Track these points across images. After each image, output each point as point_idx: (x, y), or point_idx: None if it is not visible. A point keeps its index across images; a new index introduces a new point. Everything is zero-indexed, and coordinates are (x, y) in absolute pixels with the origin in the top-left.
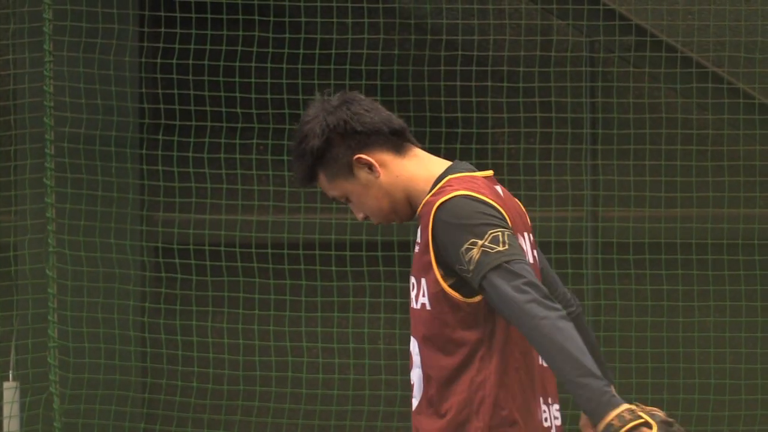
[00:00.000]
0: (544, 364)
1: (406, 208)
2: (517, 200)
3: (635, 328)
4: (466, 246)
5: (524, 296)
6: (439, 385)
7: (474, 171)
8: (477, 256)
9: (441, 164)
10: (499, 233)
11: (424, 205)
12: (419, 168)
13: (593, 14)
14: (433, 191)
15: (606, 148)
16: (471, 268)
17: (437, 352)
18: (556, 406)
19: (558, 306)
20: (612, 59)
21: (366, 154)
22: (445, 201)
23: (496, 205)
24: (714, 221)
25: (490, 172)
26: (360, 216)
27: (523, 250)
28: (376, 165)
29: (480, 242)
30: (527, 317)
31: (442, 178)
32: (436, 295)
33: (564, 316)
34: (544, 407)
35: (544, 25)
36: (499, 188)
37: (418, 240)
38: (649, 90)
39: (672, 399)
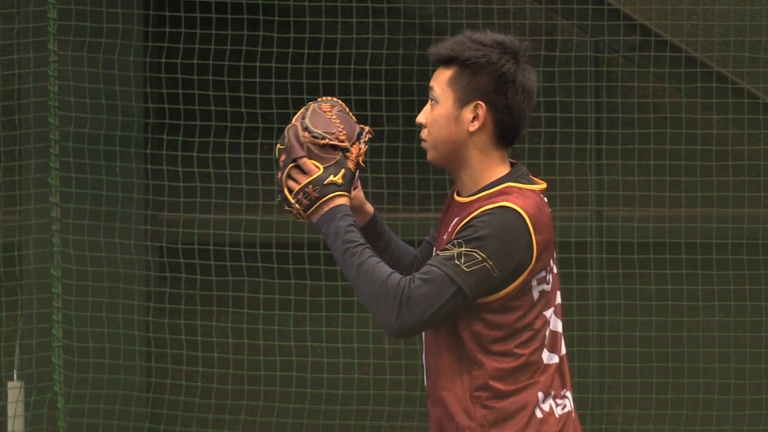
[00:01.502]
0: (555, 361)
1: (448, 161)
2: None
3: (640, 327)
4: (458, 239)
5: (402, 288)
6: (434, 378)
7: (529, 183)
8: (448, 252)
9: (504, 171)
10: (479, 258)
11: (476, 203)
12: (490, 165)
13: (597, 14)
14: (487, 192)
15: (610, 147)
16: (439, 252)
17: (438, 343)
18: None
19: (397, 309)
20: (616, 59)
21: (487, 111)
22: (500, 207)
23: (532, 235)
24: (718, 221)
25: (543, 185)
26: (422, 120)
27: (481, 290)
28: (480, 123)
29: (462, 249)
30: (375, 279)
31: (501, 183)
32: None
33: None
34: (556, 401)
35: (548, 25)
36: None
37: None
38: (654, 90)
39: (676, 398)
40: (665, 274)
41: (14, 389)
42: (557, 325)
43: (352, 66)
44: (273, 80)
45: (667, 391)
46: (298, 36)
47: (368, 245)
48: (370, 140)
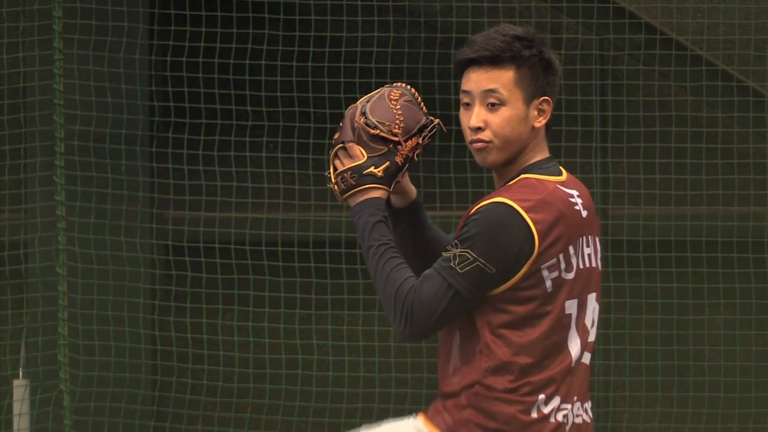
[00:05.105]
0: (574, 360)
1: (508, 160)
2: (588, 201)
3: (645, 325)
4: (456, 239)
5: (409, 296)
6: (440, 371)
7: (552, 175)
8: (446, 254)
9: (539, 156)
10: (470, 259)
11: (482, 199)
12: (535, 156)
13: (603, 12)
14: (507, 185)
15: (616, 146)
16: (442, 254)
17: (452, 334)
18: (579, 405)
19: (410, 324)
20: (622, 57)
21: (550, 105)
22: (492, 203)
23: (529, 222)
24: (724, 219)
25: (563, 177)
26: (480, 124)
27: (480, 288)
28: (546, 118)
29: (457, 250)
30: (388, 284)
31: (522, 173)
32: None
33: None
34: (557, 404)
35: (553, 23)
36: (573, 192)
37: None
38: (659, 88)
39: (682, 396)
40: (671, 272)
41: (20, 387)
42: (586, 320)
43: (358, 64)
44: (278, 78)
45: (673, 389)
46: (304, 34)
47: (392, 244)
48: (439, 133)
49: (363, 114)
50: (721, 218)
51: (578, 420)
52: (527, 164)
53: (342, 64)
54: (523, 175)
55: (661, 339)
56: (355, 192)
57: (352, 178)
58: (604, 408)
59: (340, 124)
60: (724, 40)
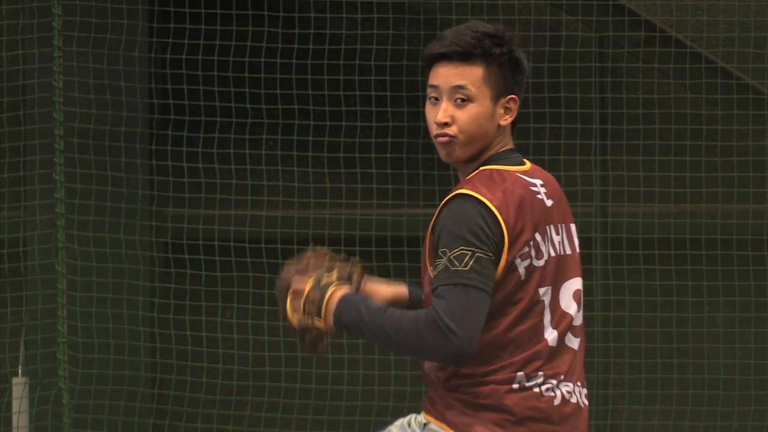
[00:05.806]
0: (552, 344)
1: (473, 156)
2: (554, 190)
3: (645, 323)
4: (440, 250)
5: (431, 320)
6: (423, 368)
7: (513, 165)
8: (440, 266)
9: (501, 147)
10: (468, 253)
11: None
12: (499, 152)
13: (602, 10)
14: (470, 175)
15: (615, 143)
16: (434, 273)
17: None
18: (570, 384)
19: (453, 339)
20: (621, 55)
21: (517, 104)
22: (455, 197)
23: (495, 213)
24: (723, 217)
25: (525, 167)
26: (447, 119)
27: (489, 275)
28: (513, 116)
29: (449, 254)
30: (412, 324)
31: (482, 165)
32: (428, 276)
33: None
34: (541, 380)
35: (553, 21)
36: (536, 181)
37: None
38: (659, 85)
39: (681, 394)
40: (670, 269)
41: (19, 385)
42: (564, 305)
43: (357, 62)
44: (278, 76)
45: (672, 386)
46: (303, 32)
47: (384, 306)
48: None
49: (282, 272)
50: (721, 216)
51: (572, 399)
52: (489, 157)
53: (341, 62)
54: (482, 167)
55: (660, 337)
56: (327, 302)
57: (315, 294)
58: (603, 405)
59: (279, 307)
60: (723, 37)
